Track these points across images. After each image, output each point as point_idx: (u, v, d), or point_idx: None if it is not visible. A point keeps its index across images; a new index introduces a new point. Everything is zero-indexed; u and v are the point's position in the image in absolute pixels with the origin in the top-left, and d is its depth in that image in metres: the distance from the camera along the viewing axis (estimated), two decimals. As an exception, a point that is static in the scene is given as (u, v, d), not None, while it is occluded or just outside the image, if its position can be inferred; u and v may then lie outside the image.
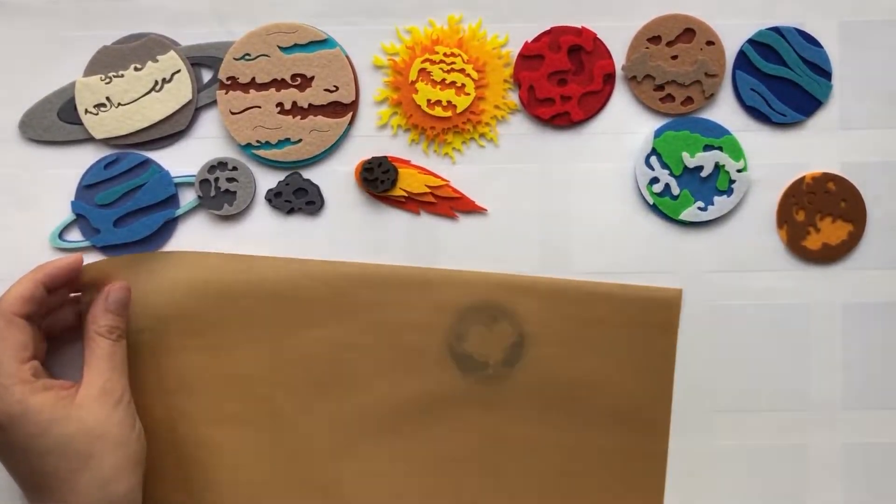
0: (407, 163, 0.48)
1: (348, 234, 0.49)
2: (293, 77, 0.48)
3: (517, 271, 0.48)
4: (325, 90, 0.48)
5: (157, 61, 0.48)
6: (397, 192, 0.48)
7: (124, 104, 0.48)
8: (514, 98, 0.48)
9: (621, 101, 0.49)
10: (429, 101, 0.48)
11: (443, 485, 0.47)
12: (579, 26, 0.48)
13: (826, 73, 0.48)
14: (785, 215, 0.48)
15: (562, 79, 0.48)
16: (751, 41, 0.48)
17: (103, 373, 0.43)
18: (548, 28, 0.48)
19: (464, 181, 0.49)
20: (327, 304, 0.47)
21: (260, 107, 0.48)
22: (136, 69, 0.48)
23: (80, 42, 0.48)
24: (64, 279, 0.44)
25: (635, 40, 0.48)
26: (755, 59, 0.48)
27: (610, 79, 0.48)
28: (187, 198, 0.49)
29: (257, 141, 0.48)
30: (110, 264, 0.47)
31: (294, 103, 0.48)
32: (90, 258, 0.49)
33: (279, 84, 0.48)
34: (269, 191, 0.49)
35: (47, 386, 0.42)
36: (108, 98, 0.48)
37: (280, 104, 0.48)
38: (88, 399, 0.41)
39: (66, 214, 0.49)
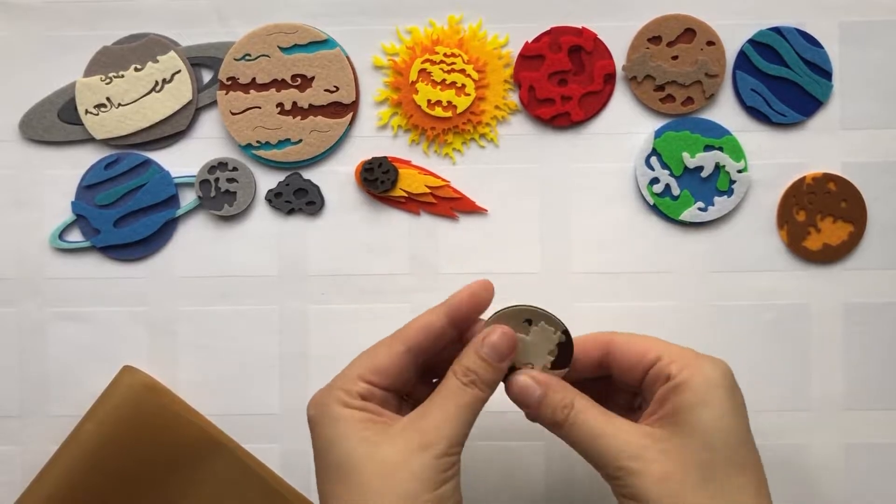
0: (407, 163, 0.48)
1: (348, 234, 0.49)
2: (293, 77, 0.48)
3: (517, 271, 0.48)
4: (326, 90, 0.48)
5: (157, 62, 0.48)
6: (397, 192, 0.48)
7: (124, 104, 0.48)
8: (514, 98, 0.48)
9: (622, 102, 0.48)
10: (429, 101, 0.48)
11: None
12: (580, 26, 0.48)
13: (826, 74, 0.48)
14: (785, 215, 0.48)
15: (562, 79, 0.48)
16: (751, 41, 0.48)
17: (432, 410, 0.35)
18: (548, 28, 0.48)
19: (464, 181, 0.49)
20: None
21: (260, 107, 0.48)
22: (136, 69, 0.48)
23: (80, 42, 0.48)
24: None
25: (636, 40, 0.48)
26: (755, 59, 0.48)
27: (610, 79, 0.48)
28: (187, 198, 0.49)
29: (257, 141, 0.48)
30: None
31: (294, 104, 0.48)
32: (90, 258, 0.49)
33: (279, 84, 0.48)
34: (270, 191, 0.48)
35: (364, 406, 0.36)
36: (108, 98, 0.48)
37: (280, 104, 0.48)
38: (396, 430, 0.35)
39: (67, 215, 0.49)
